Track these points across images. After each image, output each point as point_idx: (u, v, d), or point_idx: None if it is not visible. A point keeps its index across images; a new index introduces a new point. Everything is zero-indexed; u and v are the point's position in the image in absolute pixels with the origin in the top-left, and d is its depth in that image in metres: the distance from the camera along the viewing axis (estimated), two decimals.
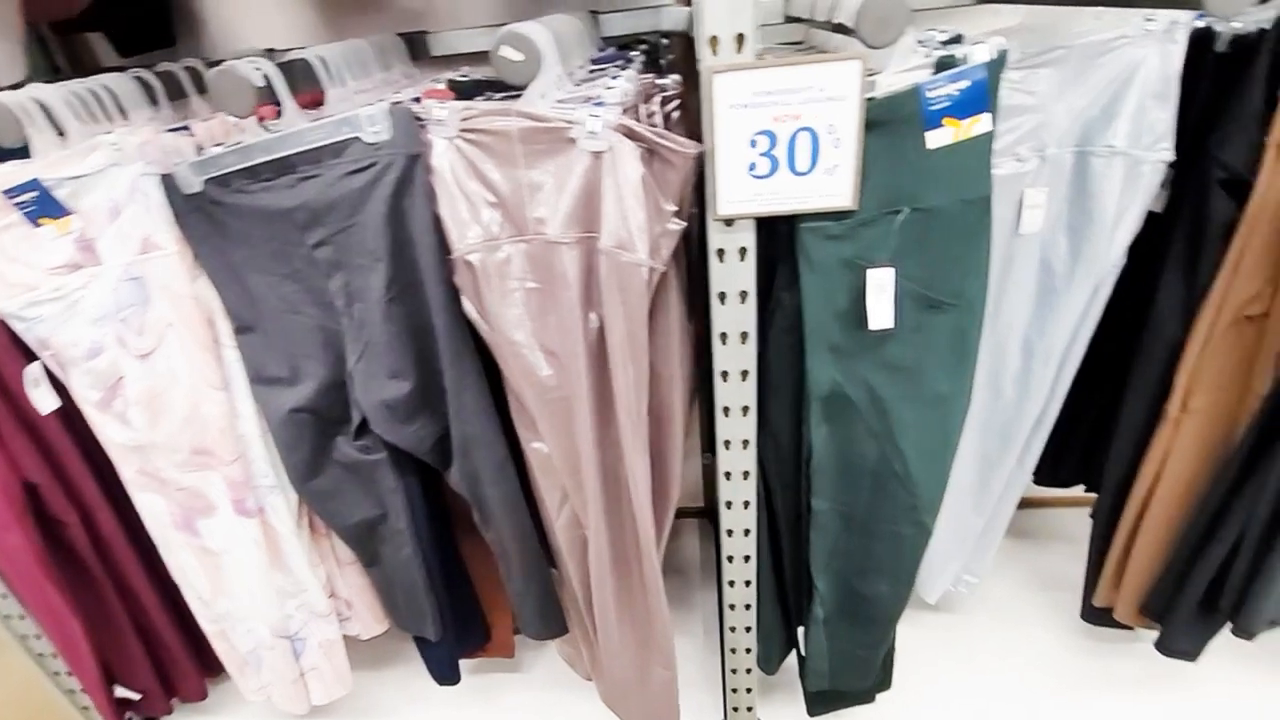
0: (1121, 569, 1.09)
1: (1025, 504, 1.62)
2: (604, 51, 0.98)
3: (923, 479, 0.80)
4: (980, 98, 0.61)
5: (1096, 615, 1.19)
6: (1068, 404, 1.20)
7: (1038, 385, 0.99)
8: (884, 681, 1.08)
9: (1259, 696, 1.19)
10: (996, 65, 0.62)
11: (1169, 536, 0.99)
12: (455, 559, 1.08)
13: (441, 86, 0.89)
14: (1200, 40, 0.84)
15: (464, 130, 0.68)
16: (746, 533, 0.90)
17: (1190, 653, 1.00)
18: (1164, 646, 1.02)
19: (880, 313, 0.69)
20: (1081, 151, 0.87)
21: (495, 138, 0.67)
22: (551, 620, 0.98)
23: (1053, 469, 1.28)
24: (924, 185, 0.65)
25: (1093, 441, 1.18)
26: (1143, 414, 0.98)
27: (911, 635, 1.34)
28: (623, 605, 0.91)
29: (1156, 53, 0.81)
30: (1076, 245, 0.91)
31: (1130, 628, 1.13)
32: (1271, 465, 0.82)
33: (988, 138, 0.64)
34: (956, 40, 0.81)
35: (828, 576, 0.91)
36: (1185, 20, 0.79)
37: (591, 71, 0.85)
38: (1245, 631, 0.92)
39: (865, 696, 1.08)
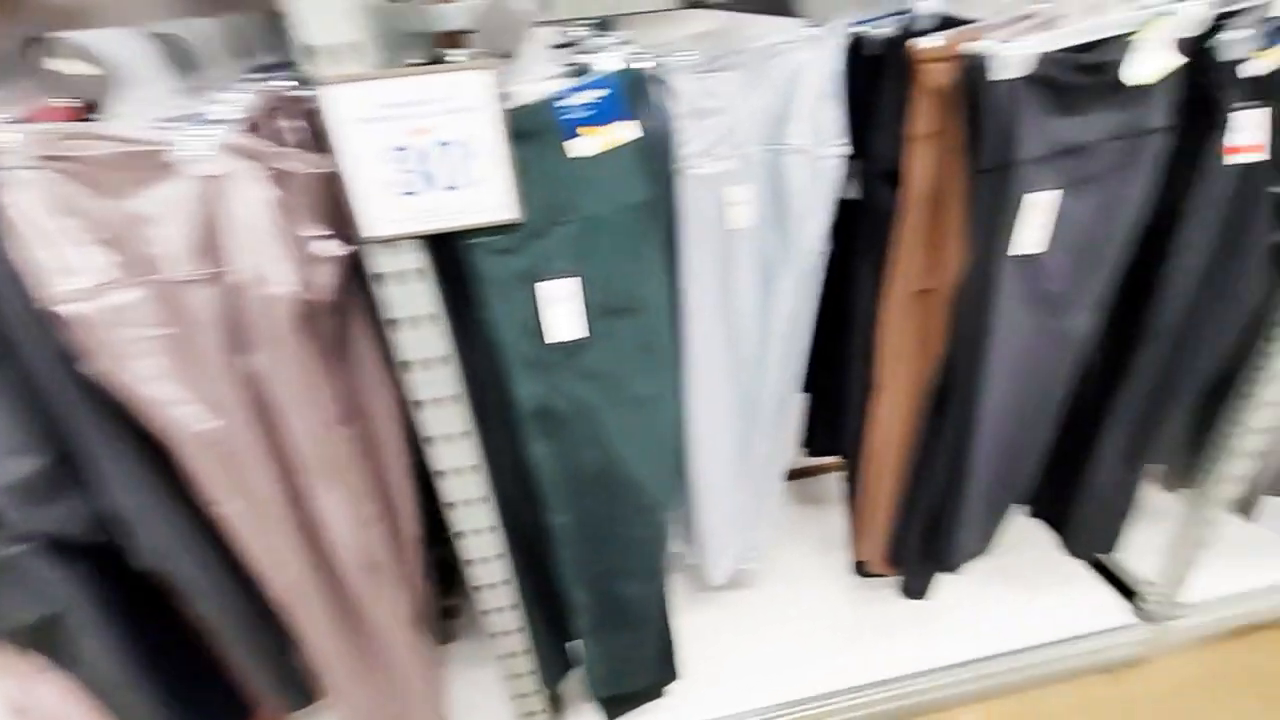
0: (868, 526, 1.20)
1: (814, 471, 1.76)
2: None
3: (648, 480, 0.81)
4: (619, 106, 0.62)
5: (861, 569, 1.30)
6: (820, 379, 1.29)
7: (770, 367, 1.06)
8: (668, 674, 1.11)
9: (1000, 614, 1.37)
10: (630, 74, 0.63)
11: (893, 494, 1.10)
12: (181, 636, 0.94)
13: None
14: (857, 45, 0.92)
15: (45, 158, 0.57)
16: (493, 558, 0.87)
17: (922, 592, 1.12)
18: (903, 588, 1.13)
19: (558, 325, 0.68)
20: (772, 149, 0.93)
21: (83, 165, 0.57)
22: (292, 689, 0.89)
23: (814, 439, 1.39)
24: (583, 194, 0.65)
25: (836, 413, 1.29)
26: (860, 385, 1.08)
27: (705, 618, 1.41)
28: (363, 675, 0.84)
29: (817, 56, 0.88)
30: (783, 236, 0.97)
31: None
32: (945, 424, 0.93)
33: (637, 144, 0.64)
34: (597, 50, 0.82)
35: (583, 587, 0.90)
36: (839, 26, 0.87)
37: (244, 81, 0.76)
38: (948, 567, 1.04)
39: (651, 693, 1.09)
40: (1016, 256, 0.77)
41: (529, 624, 0.95)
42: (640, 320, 0.71)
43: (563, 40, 0.82)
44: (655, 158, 0.76)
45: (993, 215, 0.75)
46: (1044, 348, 0.85)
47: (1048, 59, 0.68)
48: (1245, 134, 0.83)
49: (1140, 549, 1.28)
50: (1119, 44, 0.69)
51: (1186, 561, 1.24)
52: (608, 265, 0.67)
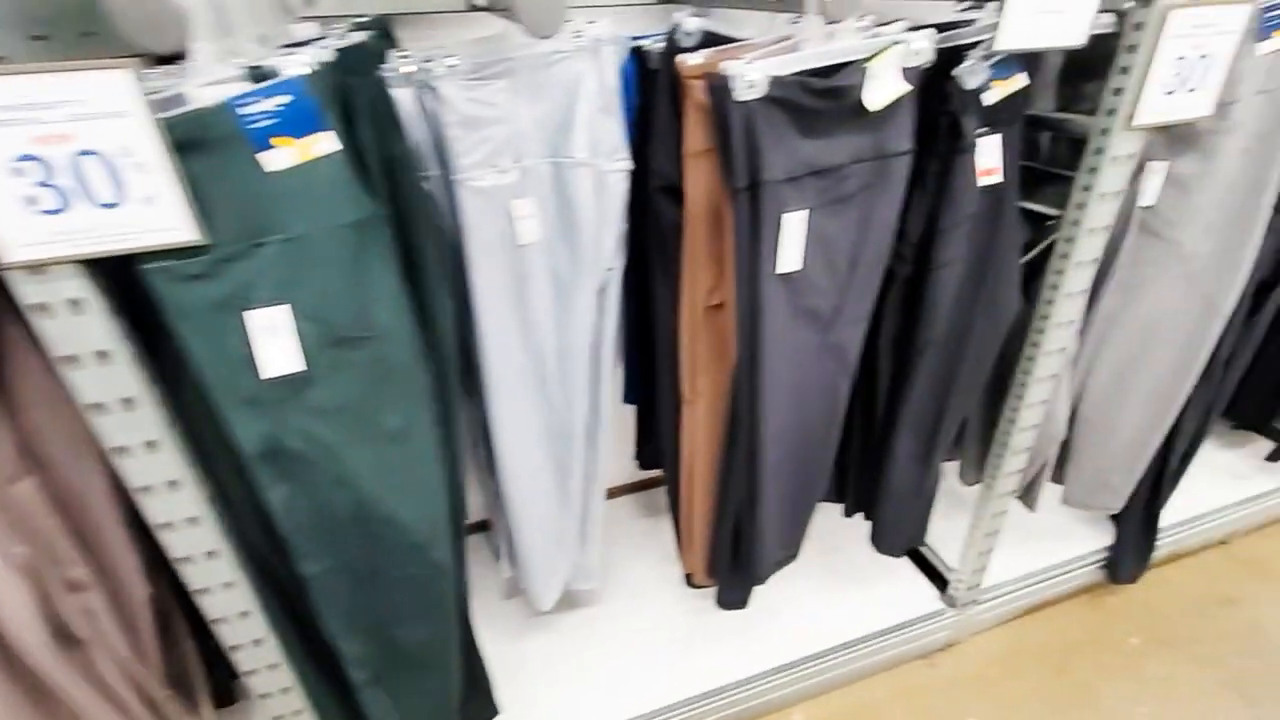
0: (689, 539, 1.19)
1: (655, 483, 1.76)
2: None
3: (412, 518, 0.75)
4: (310, 115, 0.55)
5: (690, 581, 1.30)
6: (643, 391, 1.28)
7: (576, 385, 1.03)
8: (483, 713, 1.05)
9: (827, 611, 1.42)
10: (320, 79, 0.56)
11: (706, 507, 1.11)
12: None
13: None
14: (642, 56, 0.91)
15: None
16: (240, 616, 0.77)
17: (737, 603, 1.13)
18: (720, 601, 1.14)
19: (273, 357, 0.61)
20: (555, 162, 0.90)
21: None
22: None
23: (642, 452, 1.38)
24: (286, 212, 0.58)
25: (655, 426, 1.28)
26: (671, 400, 1.07)
27: (541, 642, 1.37)
28: None
29: (591, 67, 0.85)
30: (573, 252, 0.94)
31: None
32: (740, 437, 0.94)
33: (337, 158, 0.58)
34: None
35: (357, 637, 0.82)
36: (609, 36, 0.84)
37: None
38: (756, 578, 1.05)
39: None
40: (781, 274, 0.78)
41: (305, 681, 0.86)
42: (375, 349, 0.65)
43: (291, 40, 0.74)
44: (396, 171, 0.70)
45: (752, 234, 0.75)
46: (817, 362, 0.87)
47: (784, 82, 0.68)
48: (984, 158, 0.89)
49: (953, 539, 1.37)
50: (856, 70, 0.71)
51: (984, 549, 1.33)
52: (324, 290, 0.60)
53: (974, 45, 0.84)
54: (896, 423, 1.09)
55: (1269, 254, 1.14)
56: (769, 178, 0.72)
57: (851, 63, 0.71)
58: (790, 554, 1.09)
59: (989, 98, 0.86)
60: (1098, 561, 1.53)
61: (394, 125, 0.73)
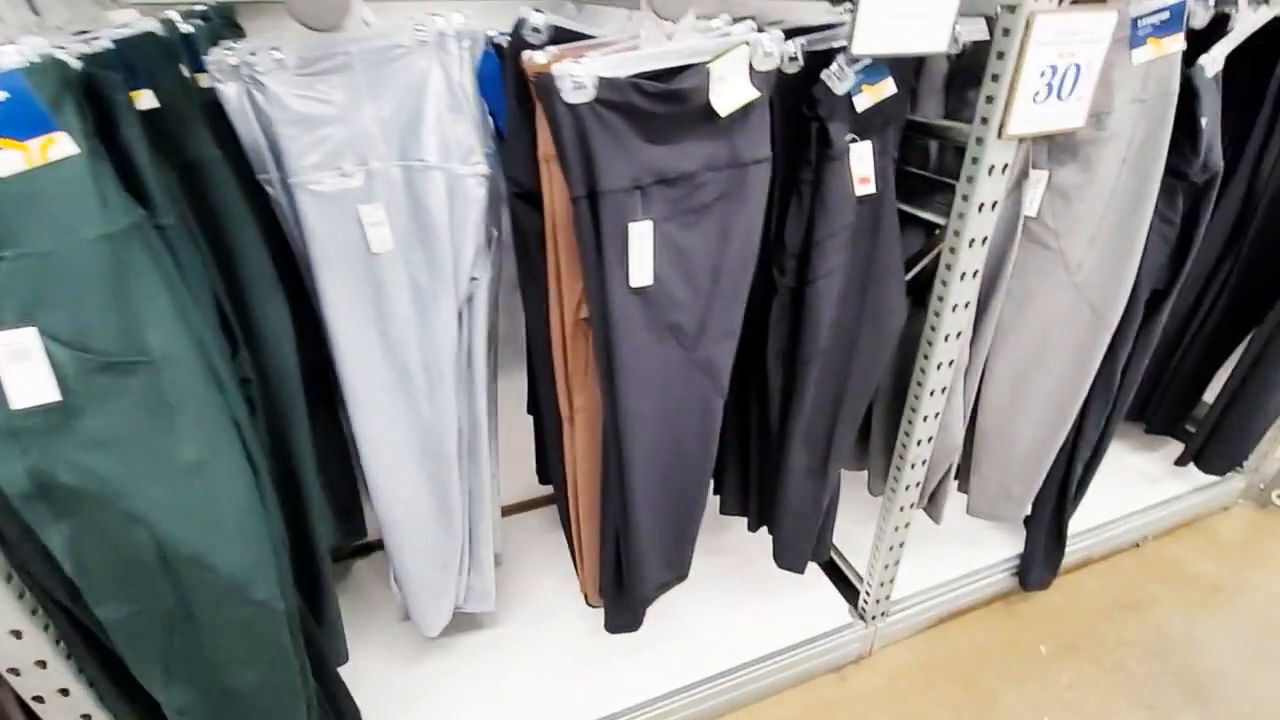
0: (581, 559, 1.15)
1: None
2: None
3: (225, 557, 0.69)
4: (35, 114, 0.48)
5: (589, 600, 1.26)
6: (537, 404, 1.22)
7: (445, 399, 0.97)
8: None
9: (738, 627, 1.39)
10: (47, 73, 0.50)
11: (591, 526, 1.06)
12: None
13: None
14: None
15: None
16: (36, 666, 0.70)
17: (625, 626, 1.09)
18: (608, 625, 1.09)
19: (23, 387, 0.54)
20: (405, 165, 0.84)
21: None
22: None
23: (541, 467, 1.32)
24: (15, 223, 0.51)
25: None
26: (554, 416, 1.02)
27: (436, 668, 1.31)
28: None
29: (438, 64, 0.80)
30: (430, 261, 0.88)
31: None
32: (611, 458, 0.89)
33: (78, 163, 0.51)
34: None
35: (180, 685, 0.75)
36: (458, 30, 0.79)
37: None
38: (640, 599, 1.01)
39: None
40: (635, 289, 0.74)
41: None
42: (151, 375, 0.58)
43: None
44: (200, 176, 0.64)
45: (596, 246, 0.71)
46: (685, 379, 0.83)
47: (616, 84, 0.64)
48: (858, 165, 0.86)
49: (867, 548, 1.35)
50: (699, 72, 0.67)
51: (890, 562, 1.31)
52: (78, 311, 0.54)
53: (843, 49, 0.81)
54: (789, 436, 1.06)
55: (1159, 263, 1.14)
56: (608, 186, 0.67)
57: (694, 65, 0.67)
58: (677, 574, 1.05)
59: (860, 103, 0.83)
60: (1010, 569, 1.53)
61: (192, 125, 0.66)
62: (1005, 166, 0.88)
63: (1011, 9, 0.78)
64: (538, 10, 0.75)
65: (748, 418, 1.14)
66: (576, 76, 0.61)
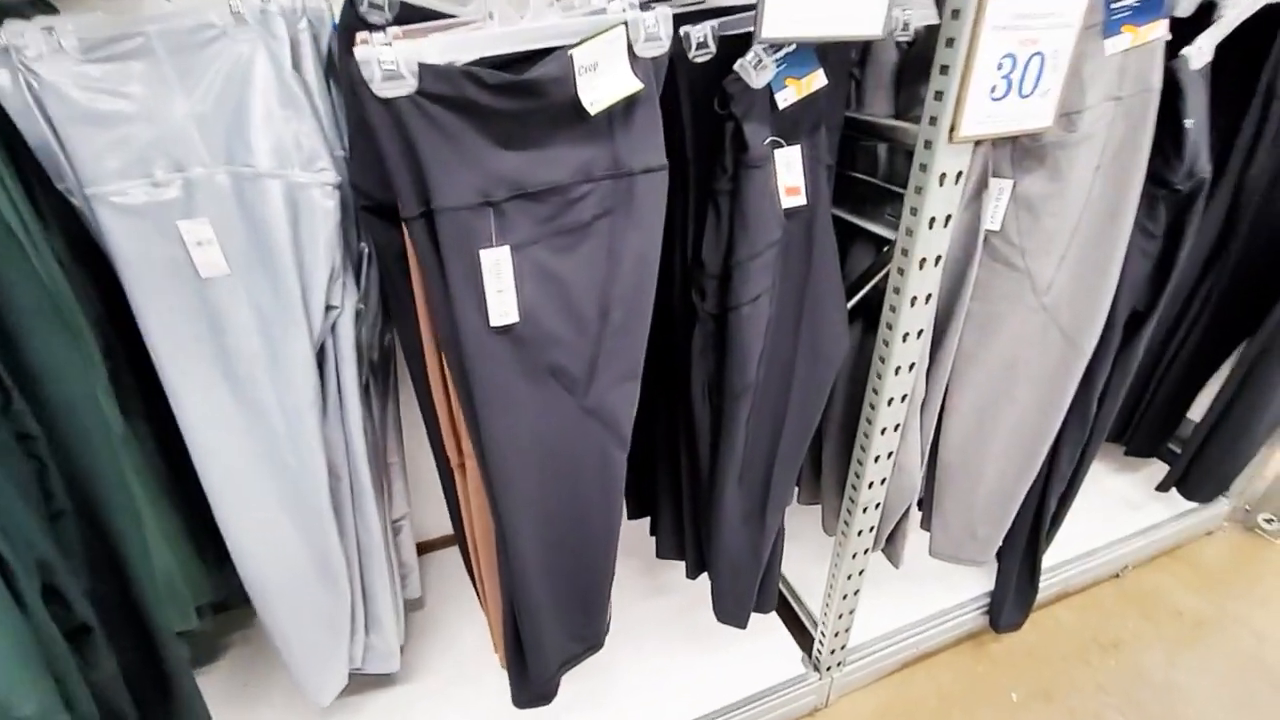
0: (488, 616, 1.01)
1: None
2: None
3: None
4: None
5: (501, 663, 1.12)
6: None
7: (309, 445, 0.82)
8: None
9: (686, 678, 1.25)
10: None
11: (494, 584, 0.92)
12: None
13: None
14: None
15: None
16: None
17: (536, 699, 0.95)
18: (513, 700, 0.95)
19: None
20: (233, 172, 0.69)
21: None
22: None
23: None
24: None
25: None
26: (442, 462, 0.88)
27: None
28: None
29: (264, 49, 0.65)
30: (275, 285, 0.74)
31: None
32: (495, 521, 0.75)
33: None
34: None
35: None
36: (281, 8, 0.64)
37: None
38: (544, 680, 0.87)
39: None
40: (497, 328, 0.60)
41: None
42: None
43: None
44: None
45: (441, 277, 0.57)
46: (577, 429, 0.69)
47: (444, 73, 0.49)
48: (784, 174, 0.73)
49: (822, 588, 1.22)
50: (562, 60, 0.53)
51: (845, 610, 1.18)
52: None
53: (746, 35, 0.67)
54: (720, 480, 0.92)
55: (1139, 281, 1.01)
56: (446, 202, 0.53)
57: (554, 49, 0.53)
58: (587, 646, 0.91)
59: (783, 99, 0.69)
60: (980, 608, 1.41)
61: None
62: (960, 175, 0.75)
63: None
64: None
65: (677, 455, 1.01)
66: (388, 63, 0.47)
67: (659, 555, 1.18)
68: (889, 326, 0.85)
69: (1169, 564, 1.65)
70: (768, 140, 0.68)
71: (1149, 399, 1.49)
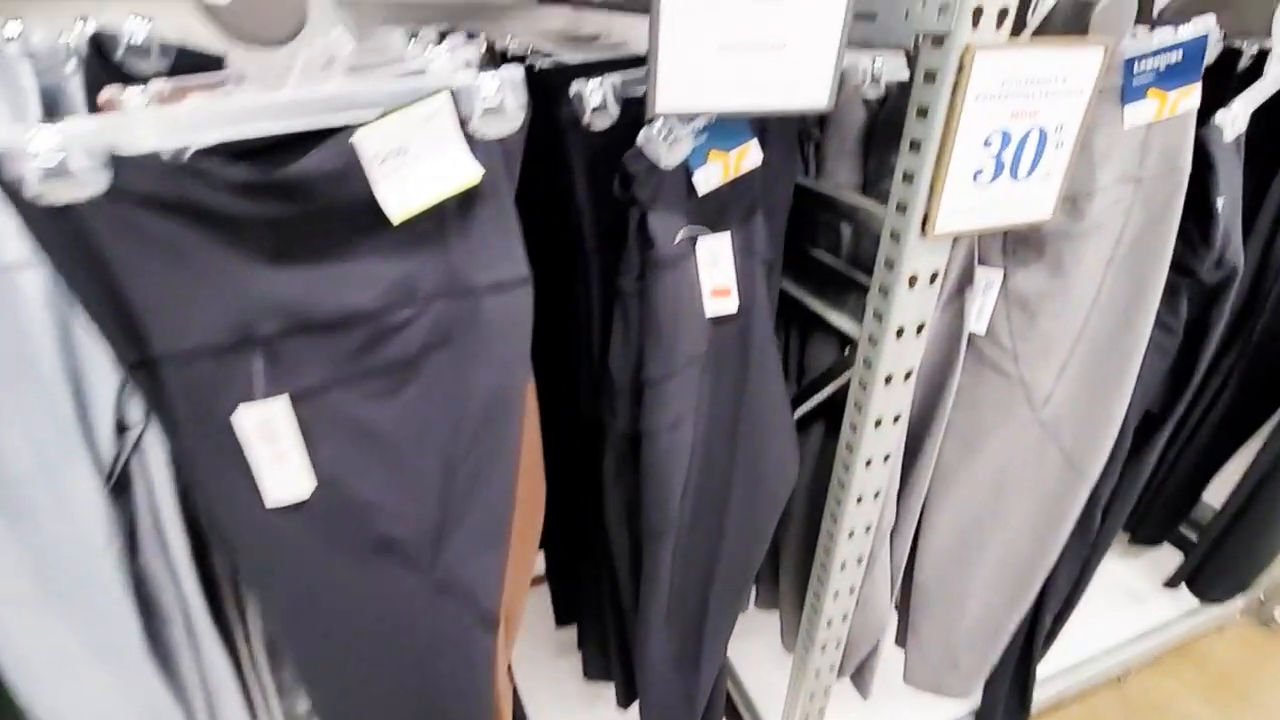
0: None
1: None
2: None
3: None
4: None
5: None
6: None
7: (108, 586, 0.64)
8: None
9: None
10: None
11: None
12: None
13: None
14: None
15: None
16: None
17: None
18: None
19: None
20: None
21: None
22: None
23: None
24: None
25: None
26: None
27: None
28: None
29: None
30: (42, 400, 0.57)
31: None
32: None
33: None
34: None
35: None
36: (28, 49, 0.48)
37: None
38: None
39: None
40: (284, 508, 0.43)
41: None
42: None
43: None
44: None
45: (194, 444, 0.40)
46: (421, 611, 0.52)
47: (155, 169, 0.33)
48: (709, 271, 0.56)
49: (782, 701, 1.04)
50: (340, 147, 0.36)
51: None
52: None
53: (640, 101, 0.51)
54: (646, 617, 0.75)
55: (1154, 380, 0.85)
56: (171, 348, 0.36)
57: (337, 129, 0.37)
58: None
59: (705, 180, 0.53)
60: None
61: None
62: (935, 275, 0.59)
63: (938, 41, 0.49)
64: (139, 15, 0.44)
65: (599, 572, 0.84)
66: (45, 159, 0.31)
67: (586, 675, 1.00)
68: (849, 449, 0.69)
69: (1176, 665, 1.48)
70: (681, 234, 0.52)
71: (1158, 485, 1.33)
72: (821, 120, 0.73)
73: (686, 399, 0.59)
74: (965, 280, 0.66)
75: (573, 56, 0.63)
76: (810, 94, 0.46)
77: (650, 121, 0.49)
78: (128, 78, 0.47)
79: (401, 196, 0.38)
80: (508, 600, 0.64)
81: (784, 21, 0.42)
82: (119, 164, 0.32)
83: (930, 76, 0.51)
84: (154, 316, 0.35)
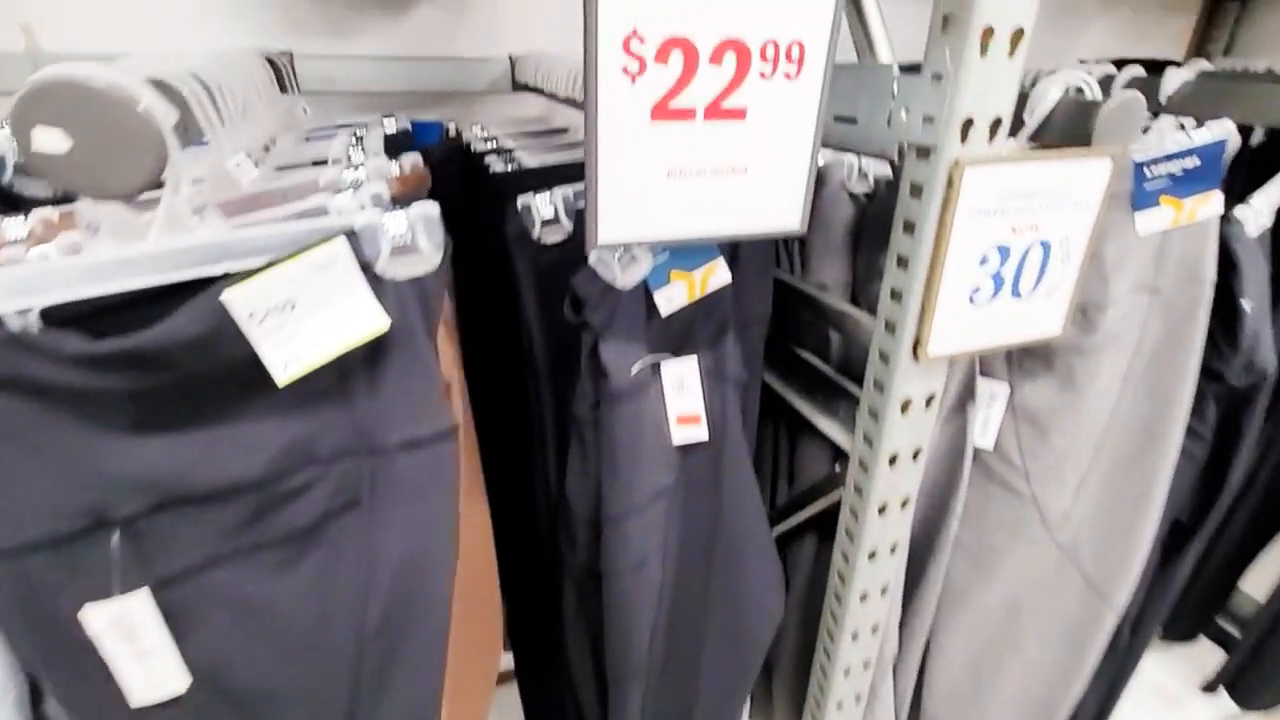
0: None
1: None
2: None
3: None
4: None
5: None
6: None
7: None
8: None
9: None
10: None
11: None
12: None
13: None
14: None
15: None
16: None
17: None
18: None
19: None
20: None
21: None
22: None
23: None
24: None
25: None
26: None
27: None
28: None
29: None
30: None
31: None
32: None
33: None
34: None
35: None
36: None
37: None
38: None
39: None
40: (144, 708, 0.36)
41: None
42: None
43: None
44: None
45: (58, 640, 0.34)
46: None
47: None
48: (675, 398, 0.50)
49: None
50: (208, 305, 0.31)
51: None
52: None
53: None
54: None
55: (1183, 487, 0.77)
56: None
57: (200, 283, 0.31)
58: None
59: (667, 301, 0.48)
60: None
61: None
62: (930, 399, 0.52)
63: (924, 153, 0.44)
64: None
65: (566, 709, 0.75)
66: None
67: None
68: (841, 580, 0.61)
69: None
70: (639, 365, 0.46)
71: (1190, 582, 1.23)
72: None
73: (652, 537, 0.52)
74: (967, 395, 0.59)
75: (533, 157, 0.59)
76: (779, 218, 0.41)
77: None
78: (16, 201, 0.43)
79: (290, 356, 0.32)
80: None
81: (744, 145, 0.37)
82: None
83: (916, 191, 0.45)
84: None
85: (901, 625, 0.69)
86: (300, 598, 0.38)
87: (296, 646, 0.39)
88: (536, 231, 0.48)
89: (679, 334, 0.49)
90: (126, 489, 0.32)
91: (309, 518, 0.37)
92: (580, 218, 0.48)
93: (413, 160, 0.46)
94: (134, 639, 0.34)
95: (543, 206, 0.47)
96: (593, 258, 0.45)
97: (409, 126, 0.70)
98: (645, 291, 0.47)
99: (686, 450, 0.52)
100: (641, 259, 0.45)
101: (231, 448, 0.34)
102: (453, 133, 0.77)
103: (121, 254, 0.29)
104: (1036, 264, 0.49)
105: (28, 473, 0.30)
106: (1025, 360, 0.60)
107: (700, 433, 0.51)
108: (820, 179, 0.65)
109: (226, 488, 0.34)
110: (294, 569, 0.38)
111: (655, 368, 0.48)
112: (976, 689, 0.77)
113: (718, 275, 0.48)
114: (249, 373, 0.33)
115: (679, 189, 0.38)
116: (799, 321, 0.72)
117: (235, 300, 0.30)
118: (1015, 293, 0.50)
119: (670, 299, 0.47)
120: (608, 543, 0.53)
